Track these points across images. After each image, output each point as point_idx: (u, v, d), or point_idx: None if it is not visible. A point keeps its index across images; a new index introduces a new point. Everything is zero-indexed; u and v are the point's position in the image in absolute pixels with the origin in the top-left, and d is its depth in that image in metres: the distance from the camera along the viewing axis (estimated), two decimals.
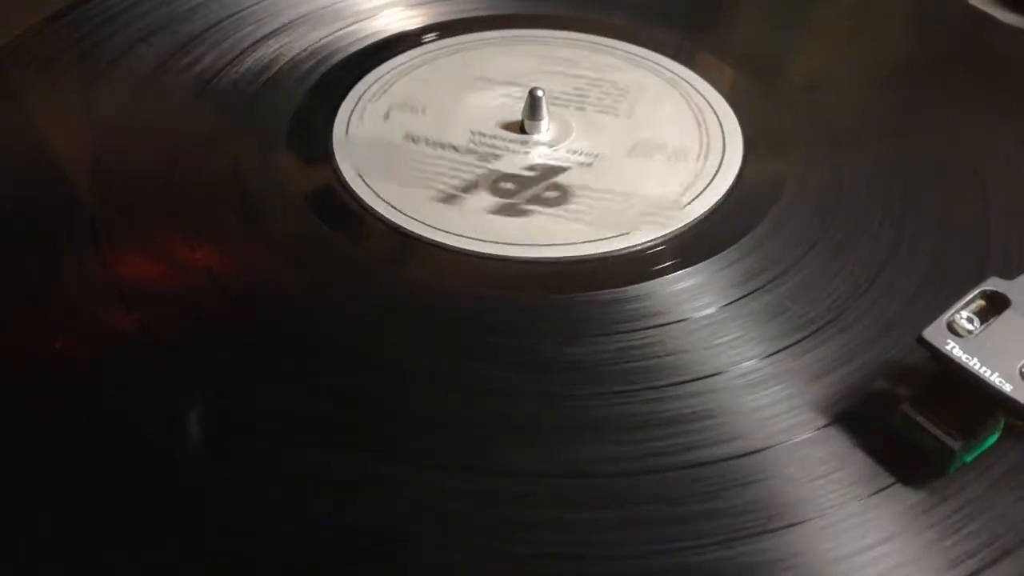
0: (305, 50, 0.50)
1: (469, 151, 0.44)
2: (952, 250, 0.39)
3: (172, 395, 0.33)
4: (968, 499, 0.29)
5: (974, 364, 0.29)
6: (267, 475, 0.30)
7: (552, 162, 0.44)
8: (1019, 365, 0.29)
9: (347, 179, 0.42)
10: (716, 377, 0.33)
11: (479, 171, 0.43)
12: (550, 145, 0.45)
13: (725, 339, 0.34)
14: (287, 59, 0.49)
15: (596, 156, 0.44)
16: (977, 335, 0.30)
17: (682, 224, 0.40)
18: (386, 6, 0.54)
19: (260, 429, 0.31)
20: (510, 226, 0.40)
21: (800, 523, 0.29)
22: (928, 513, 0.29)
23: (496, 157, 0.44)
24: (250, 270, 0.38)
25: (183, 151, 0.43)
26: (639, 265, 0.38)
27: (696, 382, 0.33)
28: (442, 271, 0.38)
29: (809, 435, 0.31)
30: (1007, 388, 0.29)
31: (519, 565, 0.28)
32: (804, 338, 0.35)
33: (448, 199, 0.41)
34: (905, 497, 0.29)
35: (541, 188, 0.42)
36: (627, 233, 0.39)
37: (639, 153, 0.44)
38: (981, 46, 0.53)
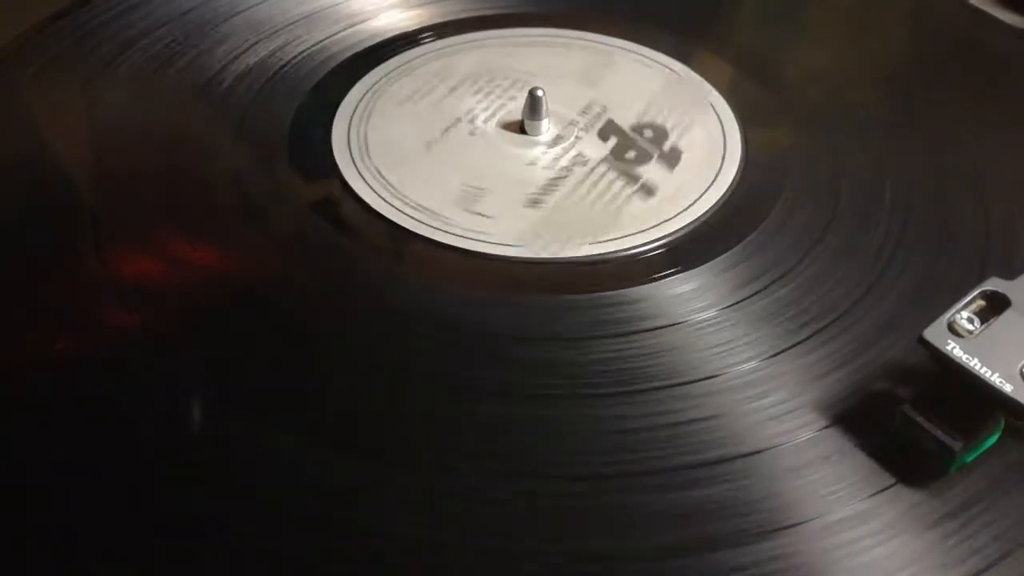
0: (306, 50, 0.50)
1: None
2: (952, 250, 0.39)
3: (172, 395, 0.33)
4: (969, 499, 0.29)
5: (974, 364, 0.29)
6: (268, 475, 0.30)
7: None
8: (1019, 365, 0.29)
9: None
10: (717, 379, 0.33)
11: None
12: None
13: (726, 341, 0.34)
14: (288, 59, 0.49)
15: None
16: (977, 335, 0.30)
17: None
18: (388, 7, 0.54)
19: (260, 429, 0.31)
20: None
21: (800, 523, 0.29)
22: (929, 513, 0.29)
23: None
24: (250, 269, 0.38)
25: (183, 151, 0.43)
26: (640, 267, 0.38)
27: (697, 383, 0.33)
28: (440, 270, 0.38)
29: (810, 436, 0.31)
30: (1007, 388, 0.29)
31: (518, 565, 0.28)
32: (805, 339, 0.35)
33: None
34: (906, 497, 0.29)
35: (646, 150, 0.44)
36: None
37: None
38: (981, 46, 0.53)
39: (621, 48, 0.51)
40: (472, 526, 0.29)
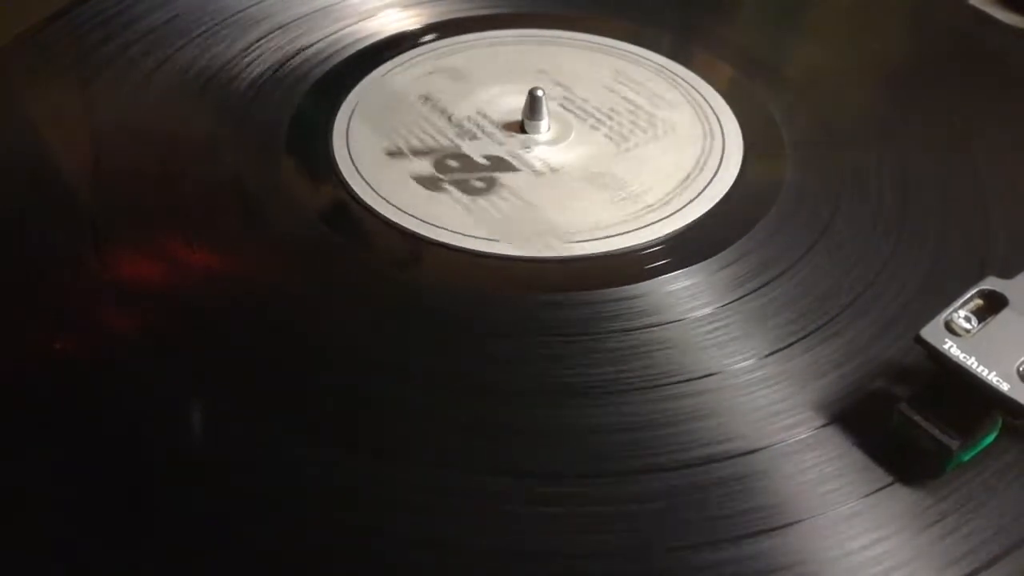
0: (305, 50, 0.50)
1: (456, 125, 0.45)
2: (951, 250, 0.39)
3: (172, 395, 0.33)
4: (966, 498, 0.29)
5: (972, 363, 0.29)
6: (268, 475, 0.30)
7: (511, 160, 0.44)
8: (1016, 364, 0.29)
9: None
10: (714, 377, 0.33)
11: (444, 143, 0.44)
12: (527, 147, 0.44)
13: (723, 339, 0.34)
14: (287, 59, 0.49)
15: (555, 171, 0.43)
16: (975, 334, 0.30)
17: (554, 254, 0.39)
18: (387, 5, 0.54)
19: (260, 429, 0.31)
20: (414, 195, 0.41)
21: (798, 523, 0.29)
22: (927, 512, 0.29)
23: (472, 139, 0.44)
24: (249, 269, 0.38)
25: (183, 151, 0.43)
26: (637, 264, 0.38)
27: (694, 382, 0.33)
28: (456, 273, 0.38)
29: (807, 435, 0.31)
30: (1004, 387, 0.29)
31: (518, 565, 0.28)
32: (803, 338, 0.35)
33: (395, 153, 0.43)
34: (903, 496, 0.29)
35: (474, 176, 0.42)
36: (495, 240, 0.39)
37: (597, 183, 0.43)
38: (981, 46, 0.53)
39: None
40: (472, 526, 0.29)
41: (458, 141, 0.44)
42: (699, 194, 0.41)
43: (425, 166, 0.42)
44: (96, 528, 0.29)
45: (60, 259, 0.38)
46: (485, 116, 0.46)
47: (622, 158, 0.44)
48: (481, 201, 0.41)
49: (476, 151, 0.44)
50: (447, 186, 0.41)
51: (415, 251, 0.39)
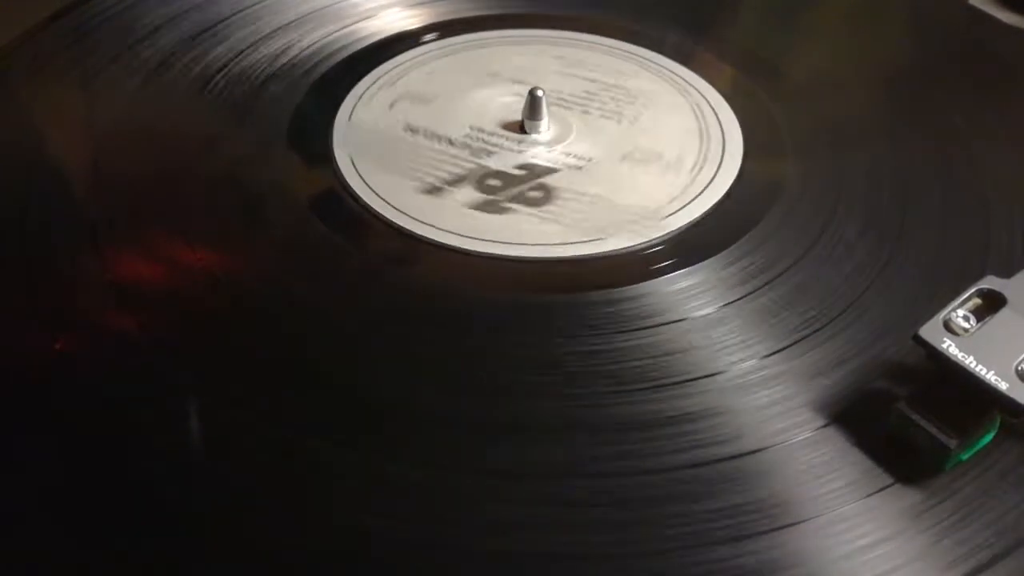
0: (305, 50, 0.50)
1: (464, 146, 0.44)
2: (952, 250, 0.39)
3: (172, 394, 0.33)
4: (966, 498, 0.29)
5: (970, 362, 0.29)
6: (267, 475, 0.30)
7: (543, 163, 0.43)
8: (1015, 363, 0.29)
9: (345, 176, 0.42)
10: (715, 377, 0.33)
11: (469, 166, 0.43)
12: (545, 146, 0.44)
13: (724, 339, 0.35)
14: (287, 59, 0.49)
15: (589, 160, 0.43)
16: (973, 333, 0.30)
17: (661, 233, 0.39)
18: (387, 6, 0.54)
19: (260, 429, 0.31)
20: (487, 222, 0.40)
21: (798, 523, 0.29)
22: (927, 513, 0.29)
23: (489, 154, 0.44)
24: (250, 270, 0.38)
25: (183, 151, 0.43)
26: (639, 265, 0.38)
27: (695, 382, 0.33)
28: (445, 270, 0.38)
29: (808, 435, 0.31)
30: (1003, 386, 0.29)
31: (519, 565, 0.28)
32: (803, 338, 0.35)
33: (433, 191, 0.41)
34: (904, 497, 0.29)
35: (526, 187, 0.42)
36: (601, 239, 0.39)
37: (633, 160, 0.43)
38: (981, 46, 0.53)
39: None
40: (471, 526, 0.29)
41: (479, 160, 0.43)
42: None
43: (471, 193, 0.41)
44: (96, 528, 0.29)
45: (60, 259, 0.38)
46: (481, 129, 0.46)
47: (634, 132, 0.45)
48: (552, 208, 0.40)
49: (505, 164, 0.43)
50: (510, 204, 0.41)
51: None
